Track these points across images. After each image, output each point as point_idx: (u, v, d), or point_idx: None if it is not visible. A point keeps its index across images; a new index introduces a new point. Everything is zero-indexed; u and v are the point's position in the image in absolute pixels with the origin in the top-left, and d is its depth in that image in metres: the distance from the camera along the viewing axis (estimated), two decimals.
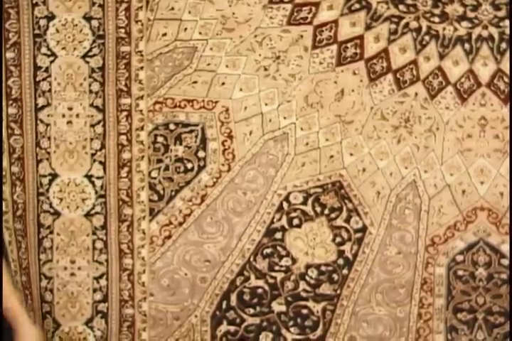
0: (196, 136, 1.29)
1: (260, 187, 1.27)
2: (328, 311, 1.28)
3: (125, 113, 1.27)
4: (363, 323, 1.30)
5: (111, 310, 1.21)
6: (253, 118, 1.29)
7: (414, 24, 1.21)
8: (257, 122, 1.30)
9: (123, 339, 1.21)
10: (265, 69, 1.26)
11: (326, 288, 1.27)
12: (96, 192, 1.24)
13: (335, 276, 1.28)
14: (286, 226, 1.29)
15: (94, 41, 1.22)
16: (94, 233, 1.23)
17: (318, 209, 1.29)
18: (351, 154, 1.31)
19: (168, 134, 1.30)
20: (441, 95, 1.30)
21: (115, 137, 1.28)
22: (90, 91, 1.25)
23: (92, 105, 1.26)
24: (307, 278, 1.28)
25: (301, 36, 1.26)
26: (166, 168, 1.27)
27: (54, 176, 1.24)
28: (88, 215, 1.26)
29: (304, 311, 1.26)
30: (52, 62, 1.22)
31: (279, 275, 1.28)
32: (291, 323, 1.26)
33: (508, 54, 1.18)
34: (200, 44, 1.26)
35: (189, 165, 1.30)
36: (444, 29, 1.24)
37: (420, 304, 1.29)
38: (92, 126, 1.26)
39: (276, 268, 1.27)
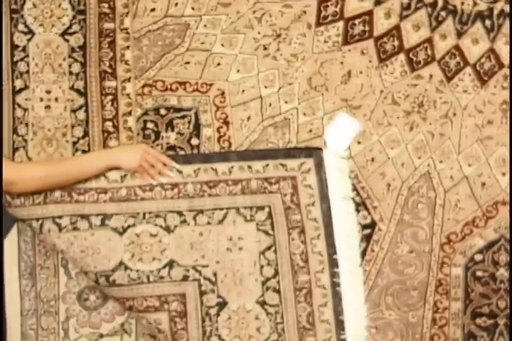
0: (189, 122, 1.28)
1: None
2: None
3: (110, 97, 1.25)
4: (372, 329, 1.30)
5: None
6: (251, 102, 1.28)
7: None
8: (255, 107, 1.29)
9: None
10: (265, 49, 1.26)
11: None
12: None
13: None
14: None
15: (74, 17, 1.20)
16: None
17: None
18: (359, 142, 1.30)
19: (159, 120, 1.28)
20: (459, 77, 1.28)
21: (99, 123, 1.26)
22: (70, 73, 1.22)
23: (72, 88, 1.23)
24: None
25: (304, 12, 1.24)
26: None
27: None
28: None
29: None
30: (29, 40, 1.20)
31: None
32: None
33: None
34: (193, 21, 1.24)
35: (181, 153, 1.30)
36: (462, 3, 1.23)
37: (435, 308, 1.29)
38: (73, 111, 1.24)
39: None
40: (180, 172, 1.28)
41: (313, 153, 1.32)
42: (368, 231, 1.32)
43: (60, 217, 1.20)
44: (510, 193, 1.25)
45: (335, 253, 1.29)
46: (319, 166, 1.32)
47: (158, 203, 1.26)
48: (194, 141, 1.30)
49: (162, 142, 1.29)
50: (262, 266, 1.28)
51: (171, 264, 1.24)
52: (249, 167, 1.30)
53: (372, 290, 1.30)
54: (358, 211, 1.32)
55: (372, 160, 1.30)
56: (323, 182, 1.31)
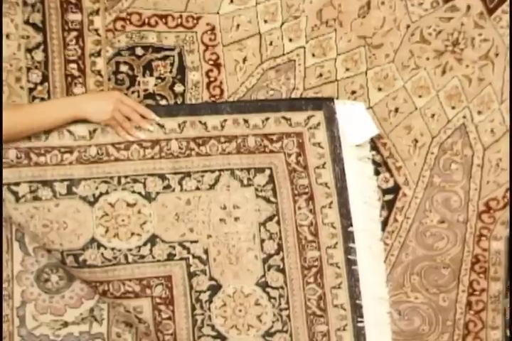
0: (171, 65, 1.27)
1: None
2: None
3: (74, 33, 1.24)
4: (394, 314, 1.30)
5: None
6: (248, 40, 1.27)
7: None
8: (253, 46, 1.28)
9: None
10: None
11: None
12: None
13: None
14: None
15: None
16: None
17: None
18: (380, 89, 1.29)
19: (135, 62, 1.27)
20: (503, 9, 1.26)
21: (62, 66, 1.25)
22: (25, 4, 1.21)
23: (27, 22, 1.22)
24: None
25: None
26: None
27: None
28: None
29: None
30: None
31: None
32: None
33: None
34: None
35: (163, 103, 1.29)
36: None
37: (470, 290, 1.29)
38: (29, 50, 1.23)
39: None
40: (161, 126, 1.26)
41: (324, 104, 1.31)
42: (390, 197, 1.32)
43: (16, 184, 1.19)
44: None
45: (350, 224, 1.30)
46: (331, 120, 1.31)
47: (135, 165, 1.25)
48: (178, 88, 1.29)
49: (139, 89, 1.28)
50: (262, 240, 1.27)
51: (153, 240, 1.24)
52: (246, 121, 1.29)
53: (395, 268, 1.30)
54: (378, 173, 1.31)
55: (396, 110, 1.30)
56: (335, 140, 1.30)
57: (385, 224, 1.31)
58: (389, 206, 1.31)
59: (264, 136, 1.29)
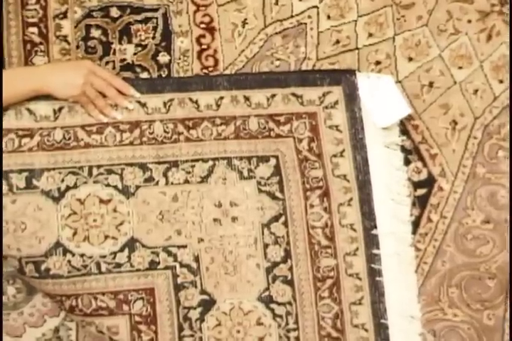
0: (154, 29, 1.27)
1: None
2: None
3: None
4: (428, 336, 1.29)
5: None
6: None
7: None
8: (254, 5, 1.27)
9: None
10: None
11: None
12: None
13: None
14: None
15: None
16: None
17: None
18: (410, 59, 1.29)
19: (109, 25, 1.27)
20: None
21: (19, 30, 1.24)
22: None
23: None
24: None
25: None
26: None
27: None
28: None
29: None
30: None
31: None
32: None
33: None
34: None
35: (144, 77, 1.29)
36: None
37: None
38: None
39: None
40: (143, 104, 1.26)
41: (343, 77, 1.30)
42: (423, 191, 1.30)
43: None
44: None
45: (374, 226, 1.28)
46: (351, 98, 1.29)
47: (110, 152, 1.24)
48: (163, 58, 1.28)
49: (114, 59, 1.27)
50: (266, 246, 1.26)
51: (131, 245, 1.23)
52: (247, 98, 1.28)
53: (429, 279, 1.28)
54: (408, 162, 1.30)
55: (431, 85, 1.29)
56: (356, 122, 1.29)
57: (416, 225, 1.29)
58: (421, 203, 1.30)
59: (269, 117, 1.28)
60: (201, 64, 1.28)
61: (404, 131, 1.30)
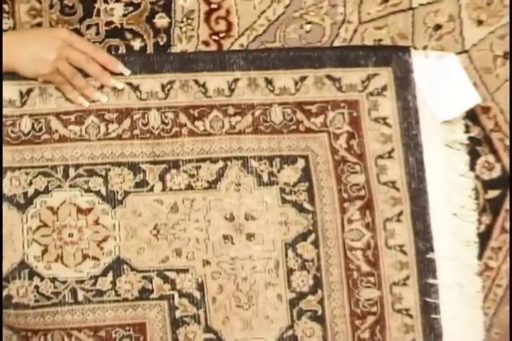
0: None
1: None
2: None
3: None
4: None
5: None
6: None
7: None
8: None
9: None
10: None
11: None
12: None
13: None
14: None
15: None
16: None
17: None
18: (480, 22, 1.28)
19: None
20: None
21: None
22: None
23: None
24: None
25: None
26: None
27: None
28: None
29: None
30: None
31: None
32: None
33: None
34: None
35: (136, 45, 1.25)
36: None
37: None
38: None
39: None
40: (135, 87, 1.23)
41: (394, 56, 1.27)
42: (495, 193, 1.29)
43: None
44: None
45: (430, 248, 1.25)
46: (404, 83, 1.26)
47: (92, 148, 1.22)
48: (160, 20, 1.26)
49: (99, 21, 1.25)
50: (290, 271, 1.23)
51: (117, 267, 1.21)
52: (269, 81, 1.25)
53: (503, 306, 1.28)
54: (476, 155, 1.28)
55: (506, 56, 1.28)
56: (410, 114, 1.26)
57: (487, 236, 1.28)
58: (494, 208, 1.29)
59: (297, 106, 1.25)
60: (210, 28, 1.26)
61: (471, 116, 1.28)
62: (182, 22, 1.25)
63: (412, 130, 1.25)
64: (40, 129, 1.21)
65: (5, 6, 1.23)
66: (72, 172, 1.21)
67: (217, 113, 1.24)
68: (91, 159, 1.21)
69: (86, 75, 1.20)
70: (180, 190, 1.23)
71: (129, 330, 1.20)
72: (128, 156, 1.23)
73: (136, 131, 1.22)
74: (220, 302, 1.22)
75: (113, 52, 1.25)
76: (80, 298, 1.19)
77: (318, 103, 1.26)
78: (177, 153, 1.23)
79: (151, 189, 1.22)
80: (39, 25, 1.23)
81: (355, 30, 1.28)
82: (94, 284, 1.20)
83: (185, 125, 1.23)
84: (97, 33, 1.25)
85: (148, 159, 1.23)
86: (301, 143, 1.25)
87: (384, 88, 1.26)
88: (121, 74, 1.21)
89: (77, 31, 1.23)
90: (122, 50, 1.26)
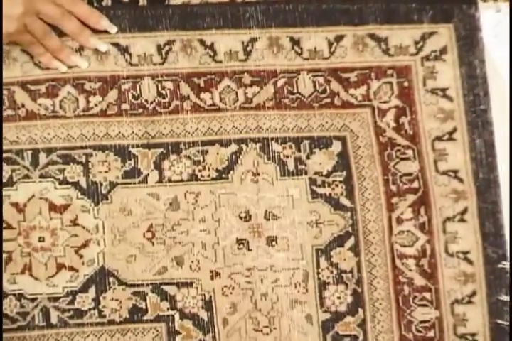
0: None
1: None
2: None
3: None
4: None
5: None
6: None
7: None
8: None
9: None
10: None
11: None
12: None
13: None
14: None
15: None
16: None
17: None
18: None
19: None
20: None
21: None
22: None
23: None
24: None
25: None
26: None
27: None
28: None
29: None
30: None
31: None
32: None
33: None
34: None
35: None
36: None
37: None
38: None
39: None
40: (124, 49, 1.11)
41: (456, 9, 1.15)
42: None
43: None
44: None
45: (503, 256, 1.14)
46: (469, 43, 1.15)
47: (69, 127, 1.11)
48: None
49: None
50: (323, 285, 1.11)
51: (101, 281, 1.10)
52: (295, 42, 1.13)
53: None
54: None
55: None
56: (477, 83, 1.15)
57: None
58: None
59: (331, 74, 1.13)
60: None
61: None
62: None
63: (480, 104, 1.14)
64: (5, 106, 1.10)
65: None
66: (42, 159, 1.09)
67: (229, 82, 1.11)
68: (67, 141, 1.09)
69: (61, 34, 1.07)
70: (182, 181, 1.10)
71: None
72: (114, 138, 1.10)
73: (125, 106, 1.09)
74: (233, 325, 1.10)
75: (95, 4, 1.12)
76: (54, 319, 1.08)
77: (359, 70, 1.13)
78: (177, 134, 1.10)
79: (145, 180, 1.09)
80: None
81: None
82: (72, 302, 1.08)
83: (188, 98, 1.10)
84: None
85: (140, 141, 1.10)
86: (337, 121, 1.12)
87: (443, 50, 1.13)
88: (106, 31, 1.09)
89: None
90: (107, 1, 1.14)
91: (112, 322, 1.08)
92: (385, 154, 1.12)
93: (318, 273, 1.10)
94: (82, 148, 1.09)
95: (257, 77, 1.12)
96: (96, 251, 1.09)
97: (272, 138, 1.11)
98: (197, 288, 1.09)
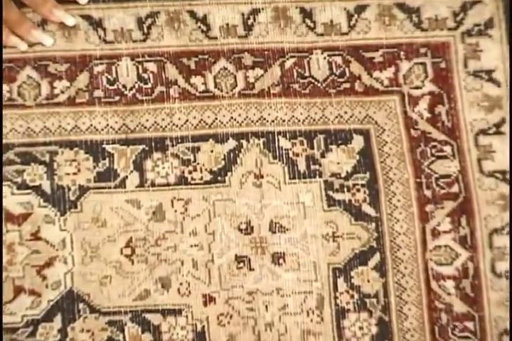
0: None
1: None
2: None
3: None
4: None
5: None
6: None
7: None
8: None
9: None
10: None
11: None
12: None
13: None
14: None
15: None
16: None
17: None
18: None
19: None
20: None
21: None
22: None
23: None
24: None
25: None
26: None
27: None
28: None
29: None
30: None
31: None
32: None
33: None
34: None
35: None
36: None
37: None
38: None
39: None
40: (96, 23, 1.02)
41: None
42: None
43: None
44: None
45: None
46: None
47: (28, 118, 1.00)
48: None
49: None
50: (343, 312, 0.99)
51: (70, 307, 0.99)
52: (306, 14, 1.02)
53: None
54: None
55: None
56: None
57: None
58: None
59: (352, 53, 1.01)
60: None
61: None
62: None
63: None
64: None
65: None
66: None
67: (225, 63, 0.99)
68: (27, 136, 0.98)
69: (21, 5, 0.99)
70: (168, 185, 0.98)
71: None
72: (85, 132, 0.98)
73: (99, 93, 0.98)
74: None
75: None
76: None
77: (385, 48, 1.01)
78: (162, 127, 0.98)
79: (122, 183, 0.97)
80: None
81: None
82: (33, 334, 0.97)
83: (176, 83, 0.99)
84: None
85: (117, 136, 0.98)
86: (358, 111, 1.00)
87: (489, 24, 1.02)
88: (74, 2, 1.00)
89: None
90: None
91: None
92: (418, 151, 1.00)
93: (336, 297, 0.98)
94: (45, 144, 0.98)
95: (260, 57, 0.99)
96: (63, 271, 0.97)
97: (279, 133, 0.99)
98: (187, 316, 0.97)
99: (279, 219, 0.98)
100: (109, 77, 0.99)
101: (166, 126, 0.98)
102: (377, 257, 0.98)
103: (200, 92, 0.99)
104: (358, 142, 0.99)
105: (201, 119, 0.99)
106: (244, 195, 0.99)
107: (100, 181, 0.98)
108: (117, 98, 0.98)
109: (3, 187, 1.00)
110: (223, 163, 0.98)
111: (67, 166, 0.98)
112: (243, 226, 0.99)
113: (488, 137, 0.98)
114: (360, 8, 1.00)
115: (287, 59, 1.00)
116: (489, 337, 0.98)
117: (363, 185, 0.99)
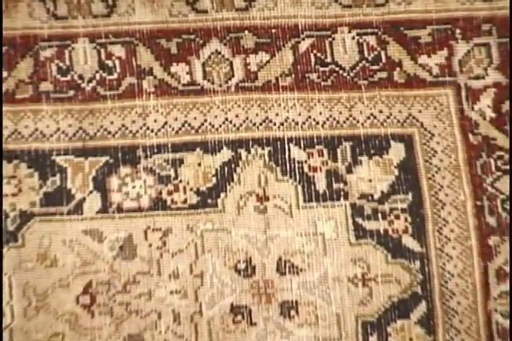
0: None
1: None
2: None
3: None
4: None
5: None
6: None
7: None
8: None
9: None
10: None
11: None
12: None
13: None
14: None
15: None
16: None
17: None
18: None
19: None
20: None
21: None
22: None
23: None
24: None
25: None
26: None
27: None
28: None
29: None
30: None
31: None
32: None
33: None
34: None
35: None
36: None
37: None
38: None
39: None
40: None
41: None
42: None
43: None
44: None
45: None
46: None
47: None
48: None
49: None
50: None
51: None
52: None
53: None
54: None
55: None
56: None
57: None
58: None
59: (388, 31, 0.85)
60: None
61: None
62: None
63: None
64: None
65: None
66: None
67: (218, 46, 0.83)
68: None
69: None
70: (141, 210, 0.81)
71: None
72: (28, 138, 0.82)
73: (46, 85, 0.82)
74: None
75: None
76: None
77: (435, 24, 0.85)
78: (132, 133, 0.81)
79: (78, 208, 0.81)
80: None
81: None
82: None
83: (151, 72, 0.82)
84: None
85: (71, 144, 0.82)
86: (398, 110, 0.83)
87: None
88: None
89: None
90: None
91: None
92: (478, 164, 0.83)
93: None
94: None
95: (266, 38, 0.83)
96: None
97: (290, 139, 0.83)
98: None
99: (290, 256, 0.82)
100: (61, 64, 0.82)
101: (137, 131, 0.81)
102: (422, 307, 0.81)
103: (183, 85, 0.82)
104: (397, 152, 0.83)
105: (185, 121, 0.81)
106: (243, 223, 0.82)
107: (49, 205, 0.81)
108: (72, 93, 0.81)
109: None
110: (214, 180, 0.81)
111: (5, 185, 0.83)
112: (242, 266, 0.82)
113: None
114: None
115: (302, 39, 0.83)
116: None
117: (403, 210, 0.82)
